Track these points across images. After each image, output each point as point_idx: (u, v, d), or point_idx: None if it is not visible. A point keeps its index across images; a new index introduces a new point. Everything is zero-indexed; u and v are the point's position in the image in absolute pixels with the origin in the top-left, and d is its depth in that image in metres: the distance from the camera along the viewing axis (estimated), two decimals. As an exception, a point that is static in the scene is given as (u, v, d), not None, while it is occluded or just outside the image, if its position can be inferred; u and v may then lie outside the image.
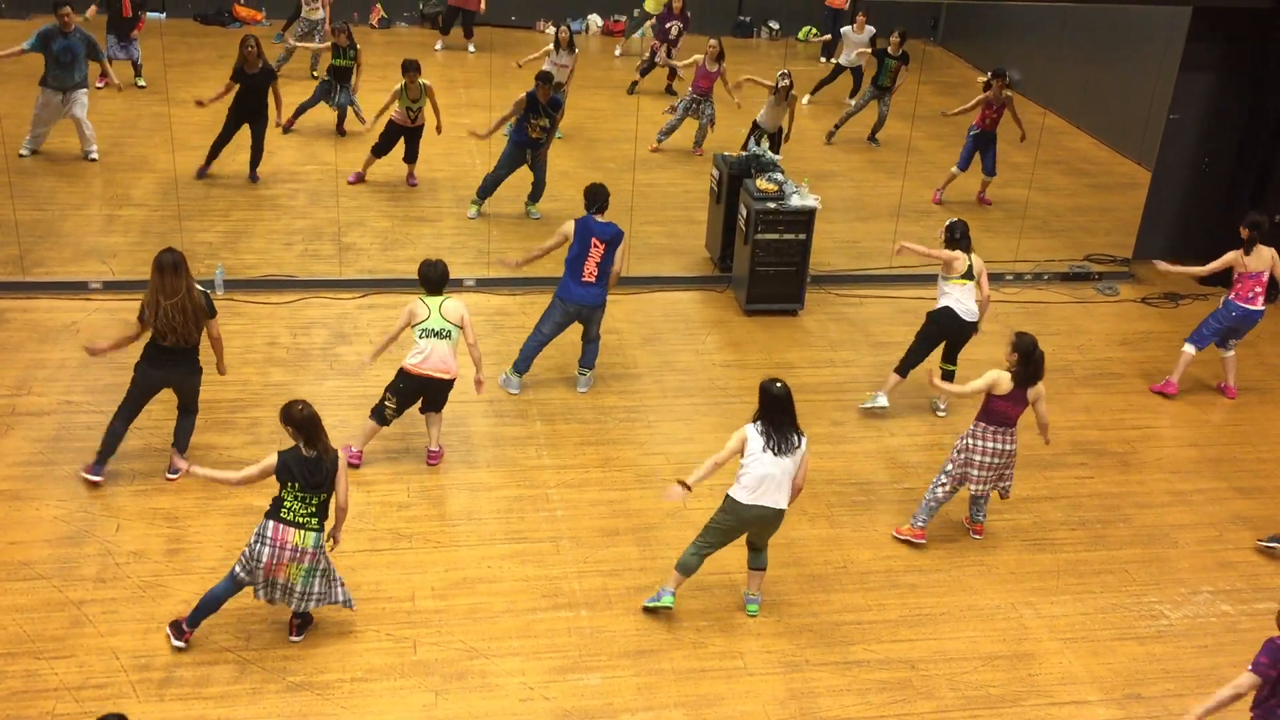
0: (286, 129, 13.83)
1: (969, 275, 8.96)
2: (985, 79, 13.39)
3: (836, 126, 15.44)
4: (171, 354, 7.48)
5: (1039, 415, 7.63)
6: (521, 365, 9.23)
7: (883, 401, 9.26)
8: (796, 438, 6.63)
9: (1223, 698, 5.59)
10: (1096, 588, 7.58)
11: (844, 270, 11.82)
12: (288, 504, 6.25)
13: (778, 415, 6.56)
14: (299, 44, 15.42)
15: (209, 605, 6.41)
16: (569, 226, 8.97)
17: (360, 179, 12.84)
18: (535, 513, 7.88)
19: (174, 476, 7.81)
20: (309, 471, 6.22)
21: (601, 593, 7.18)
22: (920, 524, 7.77)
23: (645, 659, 6.69)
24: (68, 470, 7.88)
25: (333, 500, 6.40)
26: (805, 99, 16.72)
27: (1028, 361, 7.36)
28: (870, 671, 6.73)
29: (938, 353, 9.20)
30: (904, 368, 9.19)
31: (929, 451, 8.87)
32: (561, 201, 12.20)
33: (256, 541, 6.25)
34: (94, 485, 7.71)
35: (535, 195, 12.35)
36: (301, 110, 13.86)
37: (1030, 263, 12.23)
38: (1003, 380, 7.39)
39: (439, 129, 12.61)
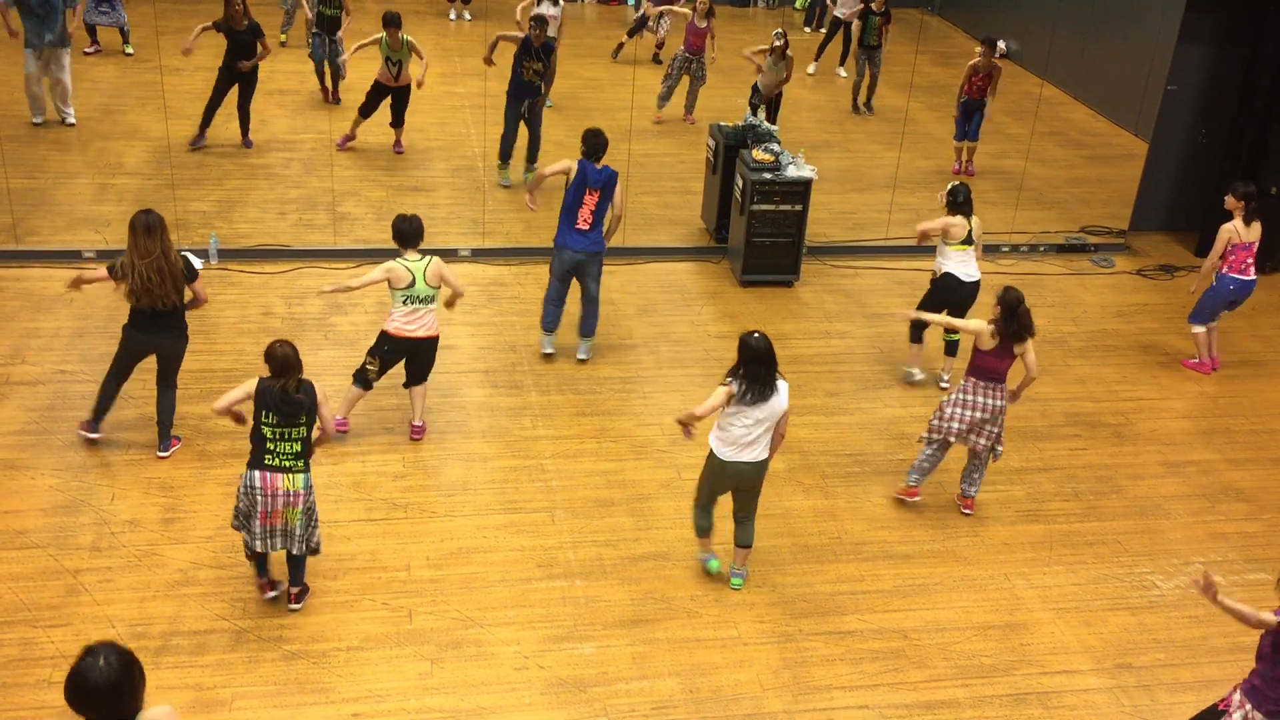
0: (334, 100, 13.87)
1: (969, 240, 8.94)
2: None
3: (855, 97, 15.36)
4: (155, 318, 7.44)
5: (1027, 366, 7.49)
6: (548, 322, 9.22)
7: (918, 375, 9.34)
8: (774, 388, 6.58)
9: (1241, 610, 5.23)
10: (1089, 558, 7.62)
11: (840, 241, 11.81)
12: (270, 445, 6.24)
13: (757, 368, 6.50)
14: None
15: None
16: (572, 163, 8.89)
17: (350, 139, 12.76)
18: (530, 483, 7.90)
19: (164, 454, 7.79)
20: (283, 401, 6.22)
21: (596, 563, 7.21)
22: (913, 482, 7.80)
23: (640, 628, 6.72)
24: (62, 439, 7.88)
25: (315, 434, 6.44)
26: (811, 66, 16.66)
27: (1011, 317, 7.33)
28: (863, 641, 6.77)
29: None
30: (915, 334, 9.25)
31: (924, 423, 8.88)
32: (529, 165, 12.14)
33: (245, 494, 6.27)
34: (91, 442, 7.72)
35: (532, 154, 12.31)
36: (321, 76, 13.79)
37: (1026, 234, 12.23)
38: (985, 333, 7.36)
39: (420, 83, 12.43)
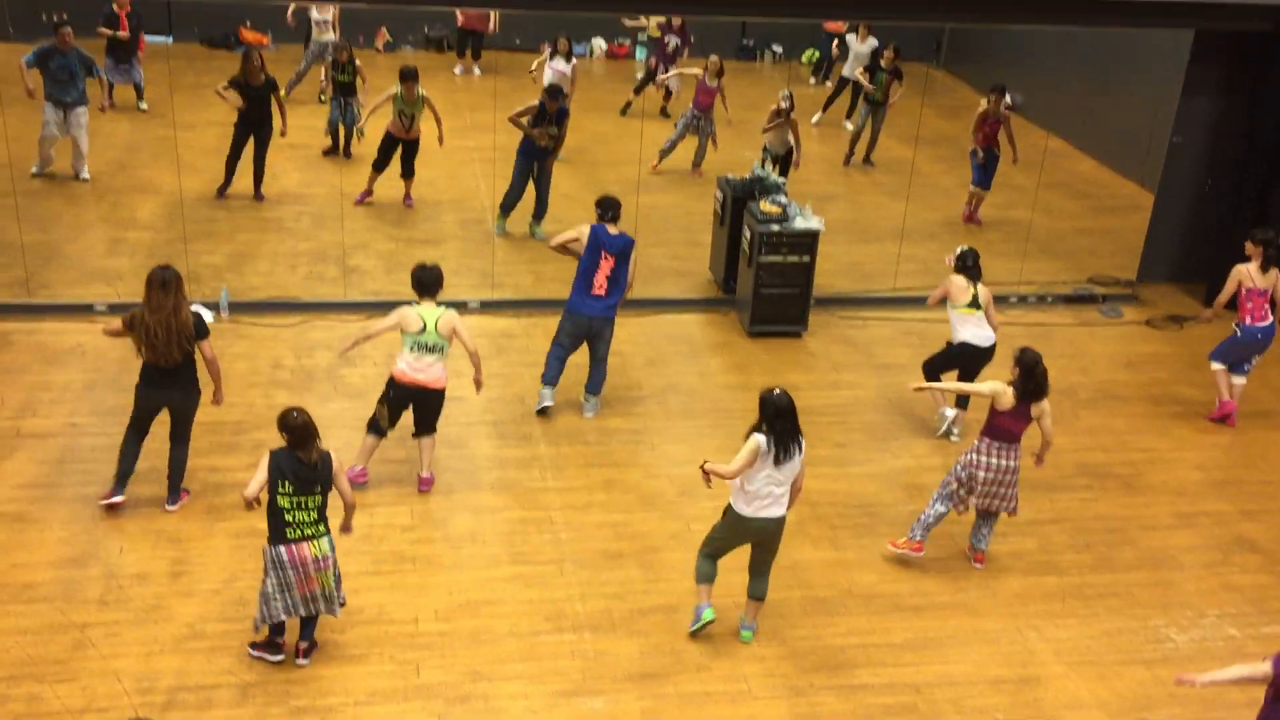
0: (345, 155, 14.03)
1: (975, 304, 8.93)
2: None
3: (851, 152, 15.48)
4: (165, 374, 7.46)
5: (1044, 432, 7.59)
6: (549, 377, 9.22)
7: (950, 413, 9.26)
8: (798, 445, 6.59)
9: (1235, 674, 5.43)
10: (1102, 611, 7.55)
11: (847, 292, 11.84)
12: (289, 516, 6.22)
13: (782, 423, 6.52)
14: (306, 69, 15.52)
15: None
16: (585, 230, 8.98)
17: (368, 195, 12.90)
18: (539, 535, 7.87)
19: (173, 508, 7.79)
20: (299, 469, 6.21)
21: (605, 615, 7.16)
22: (919, 537, 7.74)
23: (649, 683, 6.66)
24: (72, 492, 7.88)
25: (333, 500, 6.41)
26: (815, 117, 16.80)
27: (1029, 377, 7.34)
28: (875, 695, 6.70)
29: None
30: (930, 374, 9.19)
31: (935, 474, 8.85)
32: (566, 224, 12.18)
33: (274, 574, 6.24)
34: (115, 508, 7.68)
35: (539, 212, 12.42)
36: (333, 130, 14.02)
37: (1034, 284, 12.24)
38: (1005, 394, 7.37)
39: (440, 139, 12.62)
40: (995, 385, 7.44)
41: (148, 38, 15.47)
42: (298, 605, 6.36)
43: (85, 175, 12.86)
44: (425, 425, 8.15)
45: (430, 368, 7.89)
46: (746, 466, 6.54)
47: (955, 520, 7.92)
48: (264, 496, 6.32)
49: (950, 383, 8.13)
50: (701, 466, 6.62)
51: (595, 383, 9.30)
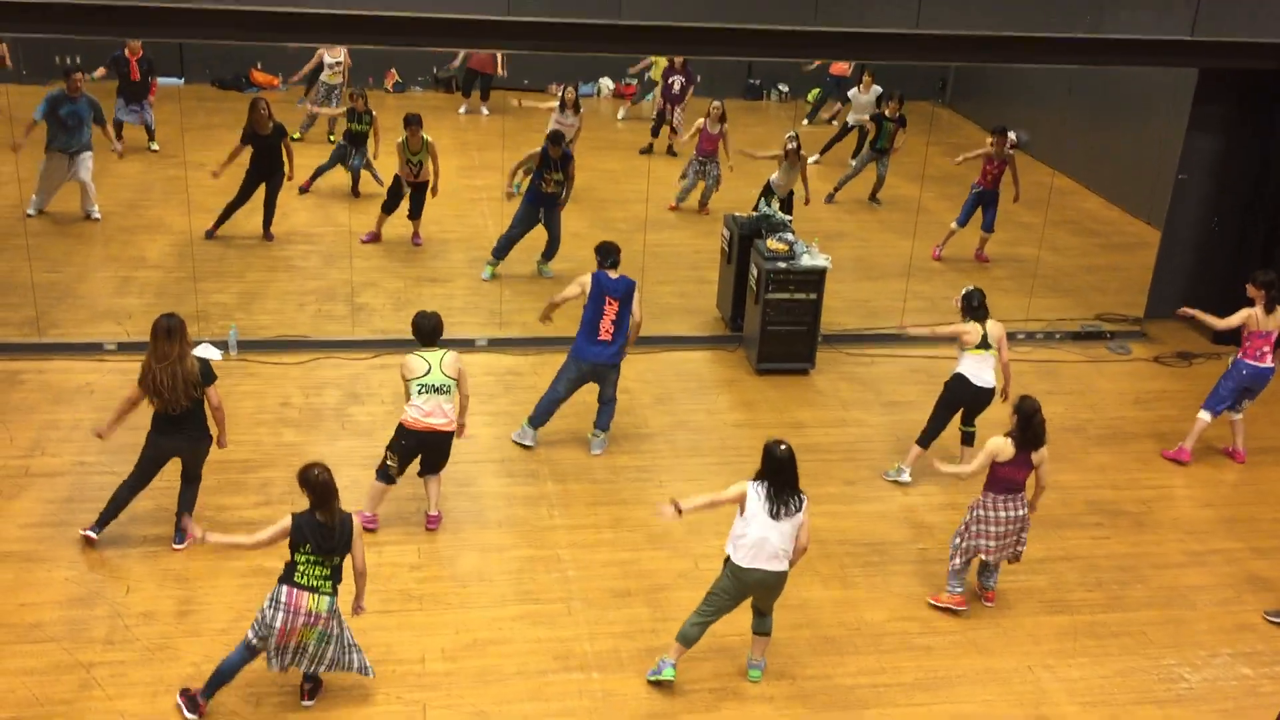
0: (304, 190, 13.99)
1: (984, 345, 8.90)
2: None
3: (836, 188, 15.57)
4: (176, 422, 7.48)
5: (1040, 478, 7.56)
6: (537, 420, 9.24)
7: (906, 478, 9.17)
8: (797, 501, 6.57)
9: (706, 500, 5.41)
10: (1114, 650, 7.49)
11: (855, 330, 11.84)
12: (301, 569, 6.21)
13: (779, 478, 6.52)
14: (319, 110, 15.63)
15: (223, 675, 6.34)
16: (586, 279, 9.04)
17: (375, 238, 12.97)
18: (547, 573, 7.84)
19: (180, 546, 7.78)
20: (322, 536, 6.19)
21: (613, 655, 7.12)
22: (958, 590, 7.70)
23: (658, 723, 6.61)
24: (79, 531, 7.87)
25: (349, 565, 6.36)
26: (813, 158, 16.87)
27: (1027, 426, 7.32)
28: (886, 736, 6.63)
29: (957, 420, 9.17)
30: (925, 439, 9.11)
31: (944, 511, 8.82)
32: (573, 262, 12.26)
33: (270, 606, 6.21)
34: (90, 542, 7.68)
35: (549, 253, 12.46)
36: (319, 173, 14.04)
37: (1042, 321, 12.24)
38: (1004, 448, 7.34)
39: (434, 190, 12.70)
40: (993, 446, 7.39)
41: (160, 80, 15.61)
42: (271, 653, 6.27)
43: (96, 215, 12.95)
44: (433, 467, 8.16)
45: (439, 410, 7.89)
46: (720, 504, 6.59)
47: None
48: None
49: (958, 467, 7.93)
50: (673, 502, 6.64)
51: (604, 420, 9.31)
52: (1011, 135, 14.00)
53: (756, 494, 6.52)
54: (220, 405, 7.64)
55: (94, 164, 12.80)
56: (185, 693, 6.40)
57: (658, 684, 6.86)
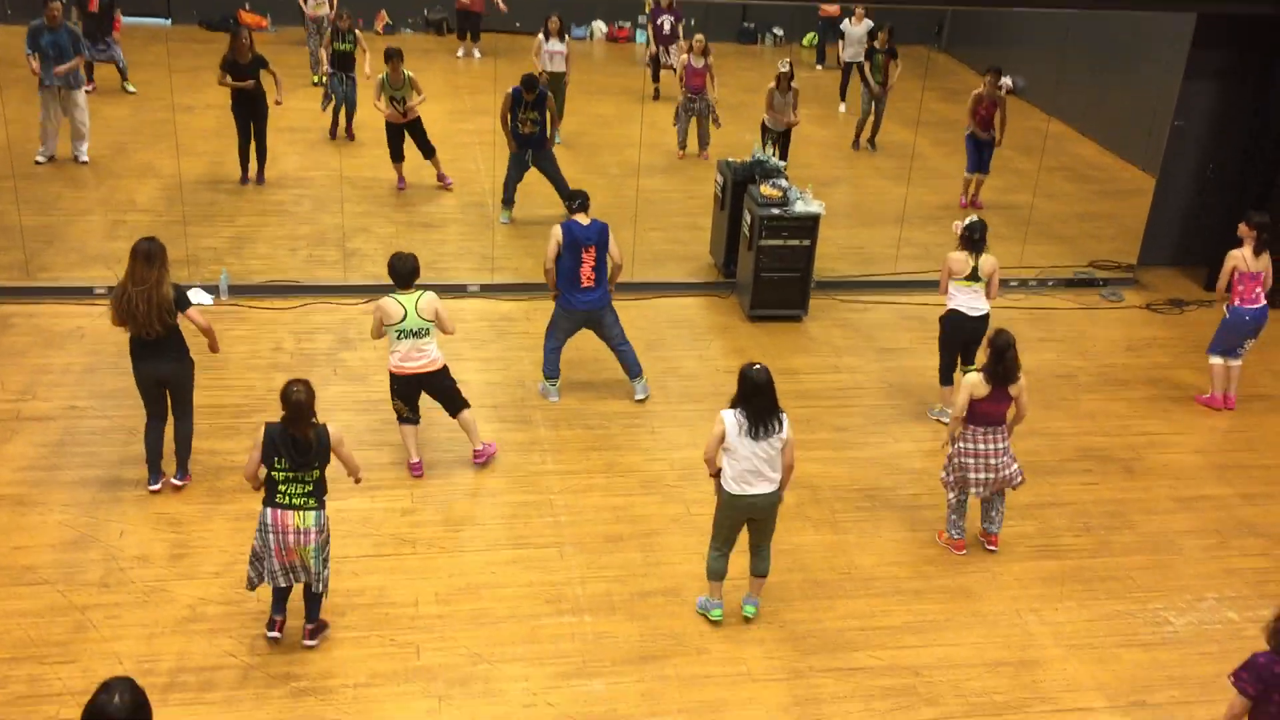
0: (350, 137, 13.97)
1: (974, 277, 8.91)
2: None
3: (858, 134, 15.44)
4: (153, 347, 7.43)
5: (1019, 408, 7.53)
6: (550, 370, 9.23)
7: (948, 417, 9.25)
8: (778, 422, 6.58)
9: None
10: (1101, 594, 7.56)
11: (848, 276, 11.82)
12: (281, 487, 6.23)
13: (757, 400, 6.52)
14: (317, 48, 15.39)
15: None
16: (557, 231, 8.84)
17: (403, 183, 12.94)
18: (539, 518, 7.88)
19: (180, 483, 7.81)
20: (295, 449, 6.19)
21: (605, 598, 7.17)
22: (955, 535, 7.76)
23: (649, 665, 6.68)
24: (72, 475, 7.89)
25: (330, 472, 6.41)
26: (841, 107, 16.77)
27: (1000, 359, 7.32)
28: (874, 678, 6.71)
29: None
30: (944, 377, 9.21)
31: (934, 457, 8.85)
32: (563, 209, 12.20)
33: (259, 532, 6.28)
34: (159, 490, 7.75)
35: (563, 195, 12.33)
36: (336, 111, 13.89)
37: (1035, 269, 12.23)
38: (978, 384, 7.36)
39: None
40: (967, 383, 7.38)
41: (147, 20, 15.40)
42: (275, 573, 6.34)
43: (85, 158, 12.83)
44: (450, 404, 8.15)
45: (422, 353, 7.87)
46: (716, 445, 6.59)
47: (938, 505, 7.90)
48: (264, 471, 6.31)
49: (950, 419, 7.89)
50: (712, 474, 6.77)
51: (631, 366, 9.27)
52: (1006, 80, 13.89)
53: (736, 422, 6.53)
54: (209, 326, 7.62)
55: (86, 106, 12.65)
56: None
57: (714, 623, 6.97)
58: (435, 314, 7.86)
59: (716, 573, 6.95)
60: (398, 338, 7.82)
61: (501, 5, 17.80)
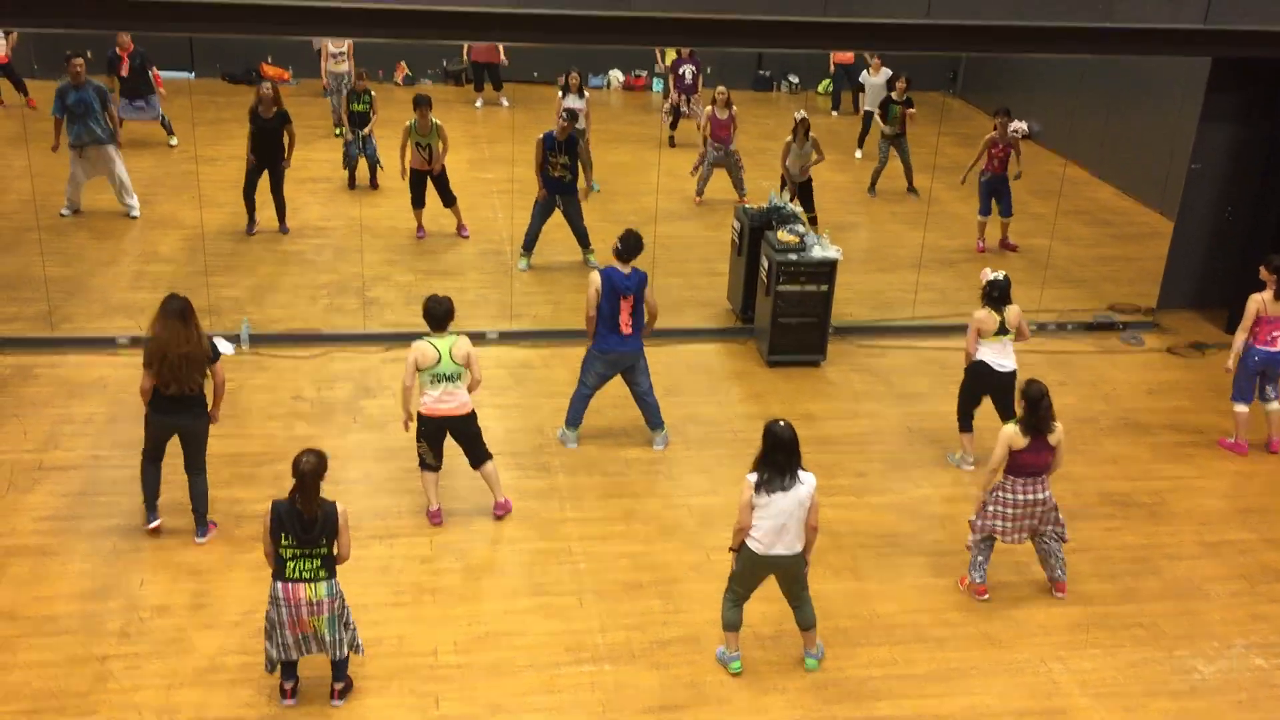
0: (371, 186, 14.10)
1: (1002, 331, 8.89)
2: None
3: (873, 182, 15.50)
4: (176, 400, 7.49)
5: (1055, 459, 7.52)
6: (573, 420, 9.24)
7: (969, 464, 9.25)
8: (800, 478, 6.56)
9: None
10: (1127, 642, 7.47)
11: (866, 321, 11.82)
12: (290, 563, 6.18)
13: (780, 456, 6.50)
14: (339, 103, 15.59)
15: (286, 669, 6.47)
16: (596, 278, 8.92)
17: (422, 232, 13.04)
18: (558, 566, 7.85)
19: (202, 540, 7.82)
20: (301, 525, 6.15)
21: (625, 647, 7.12)
22: (978, 579, 7.70)
23: (670, 715, 6.62)
24: (94, 525, 7.92)
25: (335, 548, 6.35)
26: (857, 153, 16.86)
27: (1034, 410, 7.30)
28: (898, 727, 6.63)
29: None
30: (963, 424, 9.20)
31: (954, 503, 8.80)
32: (601, 254, 12.30)
33: (271, 606, 6.23)
34: (158, 531, 7.79)
35: (583, 243, 12.44)
36: (352, 167, 14.06)
37: (1054, 312, 12.20)
38: (1015, 436, 7.32)
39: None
40: (1004, 436, 7.35)
41: (170, 74, 15.62)
42: (289, 645, 6.28)
43: (136, 213, 12.94)
44: (475, 454, 8.16)
45: (453, 396, 7.90)
46: (748, 510, 6.56)
47: (1000, 550, 7.82)
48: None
49: (984, 471, 7.80)
50: (730, 548, 6.77)
51: (653, 418, 9.29)
52: (1021, 124, 13.94)
53: (760, 482, 6.51)
54: (223, 381, 7.72)
55: (121, 160, 12.81)
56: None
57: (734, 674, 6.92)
58: (467, 359, 7.89)
59: (732, 623, 6.89)
60: (431, 381, 7.85)
61: (502, 57, 17.98)
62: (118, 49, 14.51)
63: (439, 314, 7.90)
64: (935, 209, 13.60)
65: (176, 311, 7.35)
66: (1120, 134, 15.88)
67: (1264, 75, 11.65)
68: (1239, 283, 11.14)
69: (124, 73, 14.57)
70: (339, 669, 6.52)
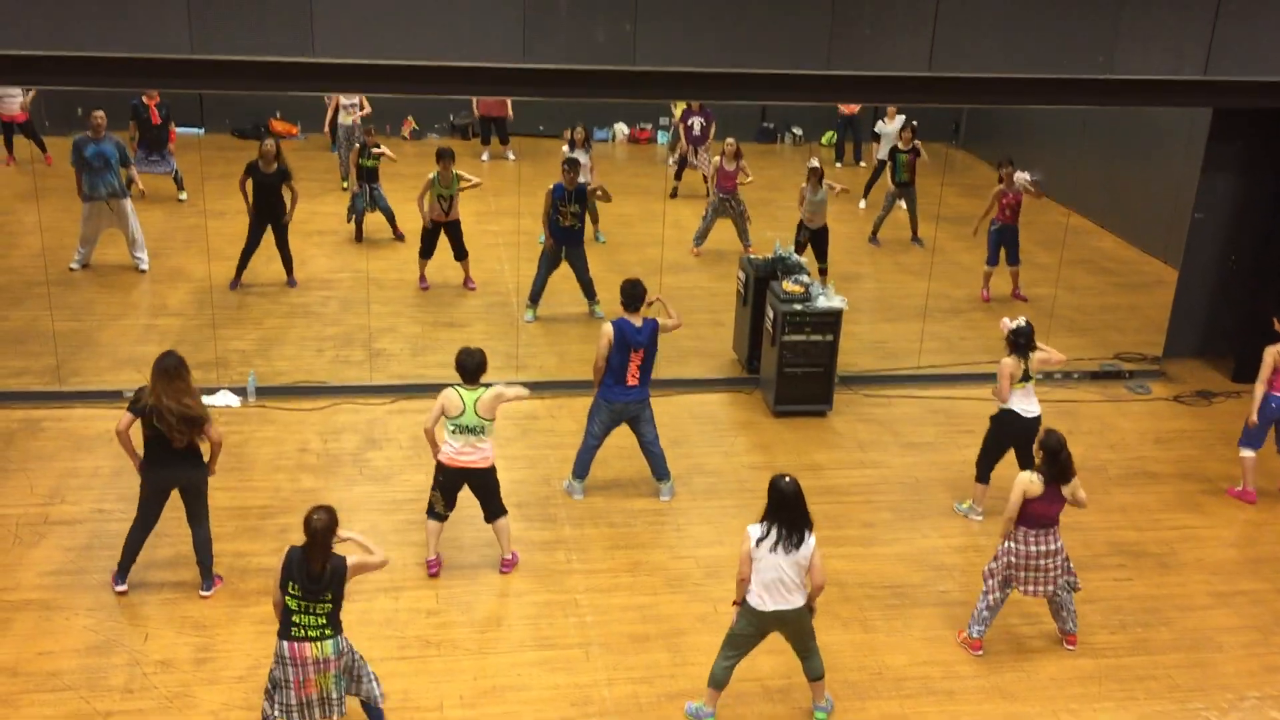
0: (396, 238, 14.23)
1: (1026, 378, 8.88)
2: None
3: (875, 230, 15.58)
4: (175, 452, 7.48)
5: (1076, 501, 7.48)
6: (580, 471, 9.23)
7: (978, 515, 9.22)
8: (805, 534, 6.52)
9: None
10: (1140, 694, 7.39)
11: (872, 371, 11.82)
12: (296, 618, 6.13)
13: (785, 512, 6.47)
14: (346, 157, 15.74)
15: None
16: (608, 329, 8.91)
17: (425, 284, 13.09)
18: (564, 618, 7.80)
19: (207, 594, 7.79)
20: (307, 577, 6.11)
21: (632, 700, 7.06)
22: (975, 634, 7.63)
23: (677, 770, 6.55)
24: (99, 579, 7.89)
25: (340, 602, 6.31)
26: (861, 203, 16.96)
27: (1054, 460, 7.28)
28: (909, 782, 6.55)
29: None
30: (982, 474, 9.15)
31: (963, 554, 8.75)
32: (605, 304, 12.34)
33: (276, 666, 6.17)
34: (120, 595, 7.72)
35: (588, 294, 12.49)
36: (358, 221, 14.16)
37: (1060, 361, 12.17)
38: (1032, 484, 7.29)
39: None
40: (1021, 484, 7.33)
41: (180, 129, 15.80)
42: (290, 708, 6.19)
43: (145, 266, 13.03)
44: (491, 508, 8.14)
45: (475, 450, 7.90)
46: (748, 561, 6.52)
47: (1011, 601, 7.76)
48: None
49: (1004, 519, 7.75)
50: (734, 603, 6.73)
51: (660, 469, 9.28)
52: (1025, 175, 14.03)
53: (759, 533, 6.48)
54: (220, 439, 7.66)
55: (134, 213, 12.92)
56: None
57: None
58: (492, 411, 7.88)
59: (720, 681, 6.80)
60: (453, 431, 7.85)
61: (509, 112, 18.16)
62: (144, 98, 14.67)
63: (470, 366, 7.89)
64: (940, 258, 13.65)
65: (173, 370, 7.32)
66: (1123, 184, 15.96)
67: (1265, 125, 11.73)
68: (1244, 331, 11.15)
69: (155, 121, 14.73)
70: (374, 717, 6.49)
